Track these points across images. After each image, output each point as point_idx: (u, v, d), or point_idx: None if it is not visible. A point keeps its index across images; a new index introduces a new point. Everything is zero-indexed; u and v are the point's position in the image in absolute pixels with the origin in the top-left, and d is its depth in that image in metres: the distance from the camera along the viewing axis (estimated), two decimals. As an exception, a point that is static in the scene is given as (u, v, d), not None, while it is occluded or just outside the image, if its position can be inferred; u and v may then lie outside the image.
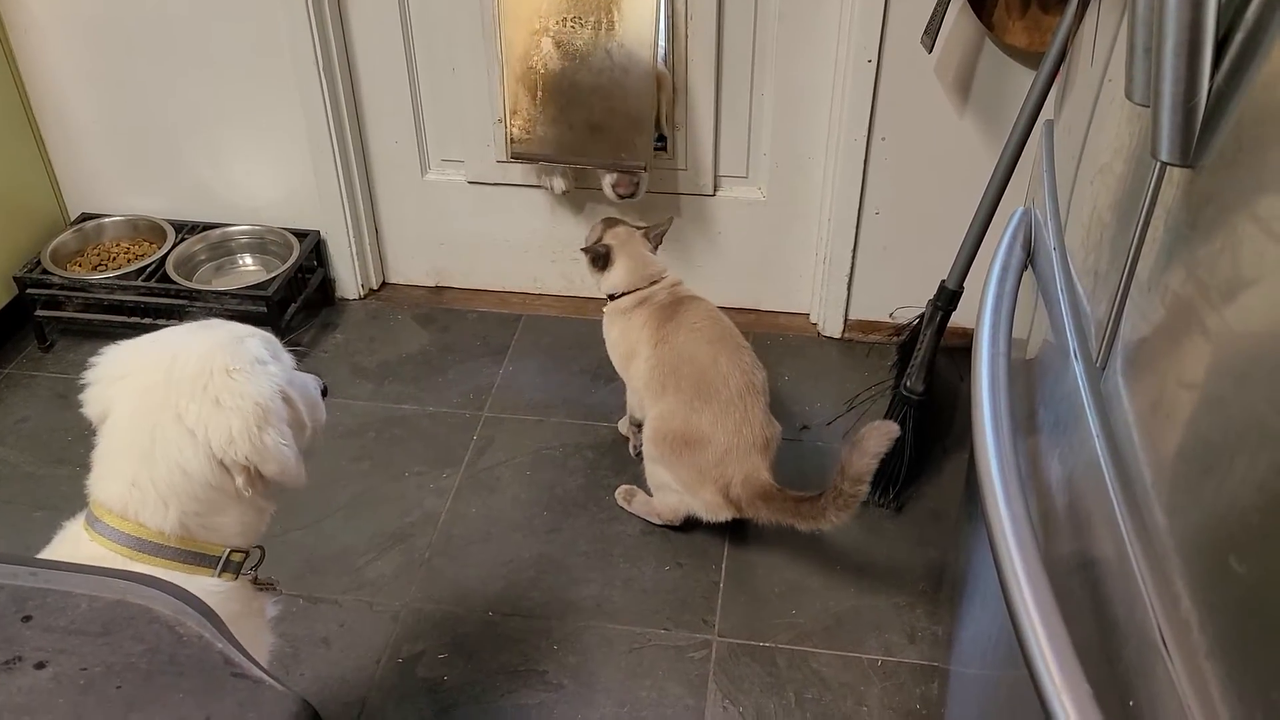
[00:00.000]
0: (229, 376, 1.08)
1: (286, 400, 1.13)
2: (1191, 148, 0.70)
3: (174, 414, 1.06)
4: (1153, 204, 0.79)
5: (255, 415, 1.07)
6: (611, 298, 1.95)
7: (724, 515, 1.80)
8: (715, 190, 2.35)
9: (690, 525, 1.90)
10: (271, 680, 0.74)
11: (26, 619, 0.77)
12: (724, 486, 1.75)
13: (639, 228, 1.97)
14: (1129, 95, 0.79)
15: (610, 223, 1.98)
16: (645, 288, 1.92)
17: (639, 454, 1.97)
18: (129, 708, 0.72)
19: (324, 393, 1.25)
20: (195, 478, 1.06)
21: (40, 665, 0.74)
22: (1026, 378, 1.14)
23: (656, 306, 1.89)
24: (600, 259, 1.93)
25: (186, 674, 0.74)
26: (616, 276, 1.93)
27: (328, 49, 2.21)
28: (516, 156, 2.25)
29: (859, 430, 1.61)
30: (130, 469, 1.06)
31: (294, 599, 1.80)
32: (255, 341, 1.14)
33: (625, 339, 1.92)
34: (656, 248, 1.98)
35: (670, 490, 1.85)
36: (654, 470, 1.86)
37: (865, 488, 1.60)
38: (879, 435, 1.59)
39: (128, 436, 1.07)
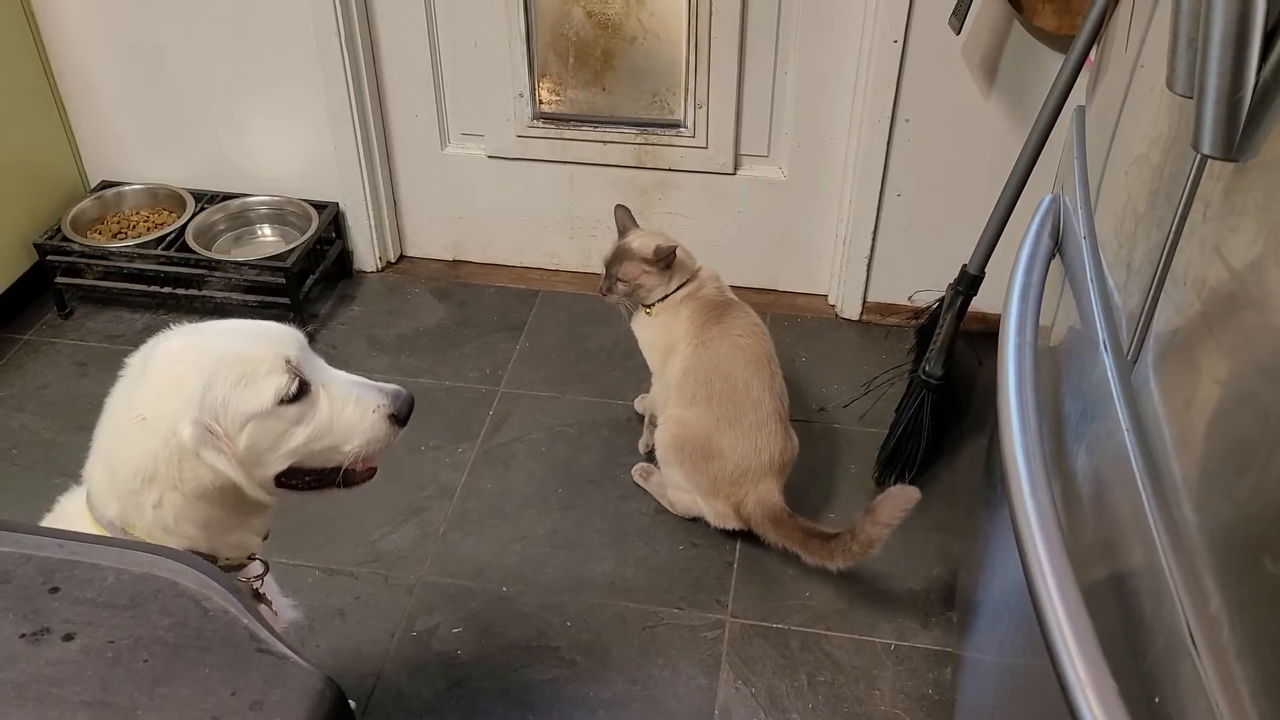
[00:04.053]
0: None
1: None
2: (1235, 141, 0.68)
3: None
4: (1191, 196, 0.78)
5: None
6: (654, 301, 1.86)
7: (731, 525, 1.81)
8: (736, 169, 2.33)
9: (705, 505, 1.91)
10: (296, 657, 0.74)
11: (54, 590, 0.78)
12: (737, 503, 1.77)
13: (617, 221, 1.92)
14: (1170, 86, 0.78)
15: (625, 210, 1.92)
16: (691, 281, 1.86)
17: (649, 453, 1.97)
18: (156, 680, 0.72)
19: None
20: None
21: (68, 637, 0.75)
22: (1051, 366, 1.14)
23: (703, 302, 1.84)
24: (667, 259, 1.81)
25: (213, 648, 0.74)
26: (676, 274, 1.84)
27: (350, 20, 2.20)
28: (545, 117, 2.28)
29: (877, 496, 1.63)
30: None
31: (309, 570, 1.81)
32: None
33: (668, 331, 1.84)
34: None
35: (684, 490, 1.85)
36: (669, 472, 1.86)
37: (875, 549, 1.63)
38: (894, 505, 1.61)
39: None
